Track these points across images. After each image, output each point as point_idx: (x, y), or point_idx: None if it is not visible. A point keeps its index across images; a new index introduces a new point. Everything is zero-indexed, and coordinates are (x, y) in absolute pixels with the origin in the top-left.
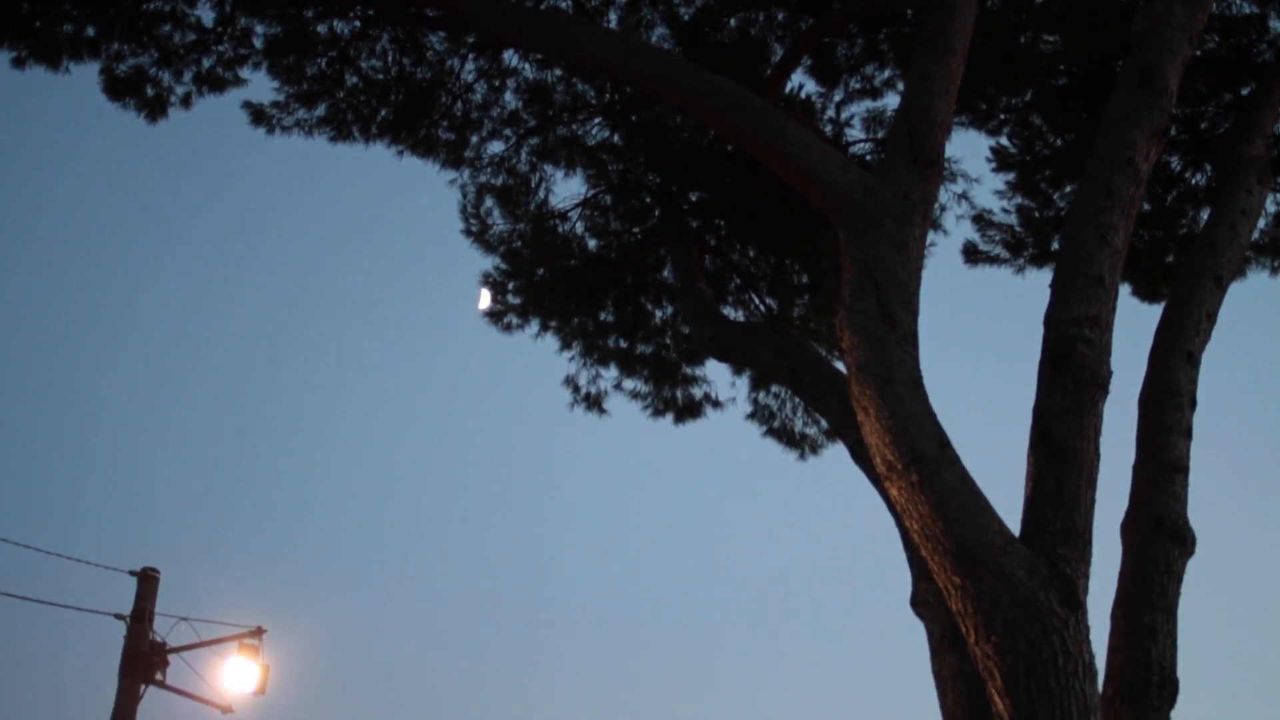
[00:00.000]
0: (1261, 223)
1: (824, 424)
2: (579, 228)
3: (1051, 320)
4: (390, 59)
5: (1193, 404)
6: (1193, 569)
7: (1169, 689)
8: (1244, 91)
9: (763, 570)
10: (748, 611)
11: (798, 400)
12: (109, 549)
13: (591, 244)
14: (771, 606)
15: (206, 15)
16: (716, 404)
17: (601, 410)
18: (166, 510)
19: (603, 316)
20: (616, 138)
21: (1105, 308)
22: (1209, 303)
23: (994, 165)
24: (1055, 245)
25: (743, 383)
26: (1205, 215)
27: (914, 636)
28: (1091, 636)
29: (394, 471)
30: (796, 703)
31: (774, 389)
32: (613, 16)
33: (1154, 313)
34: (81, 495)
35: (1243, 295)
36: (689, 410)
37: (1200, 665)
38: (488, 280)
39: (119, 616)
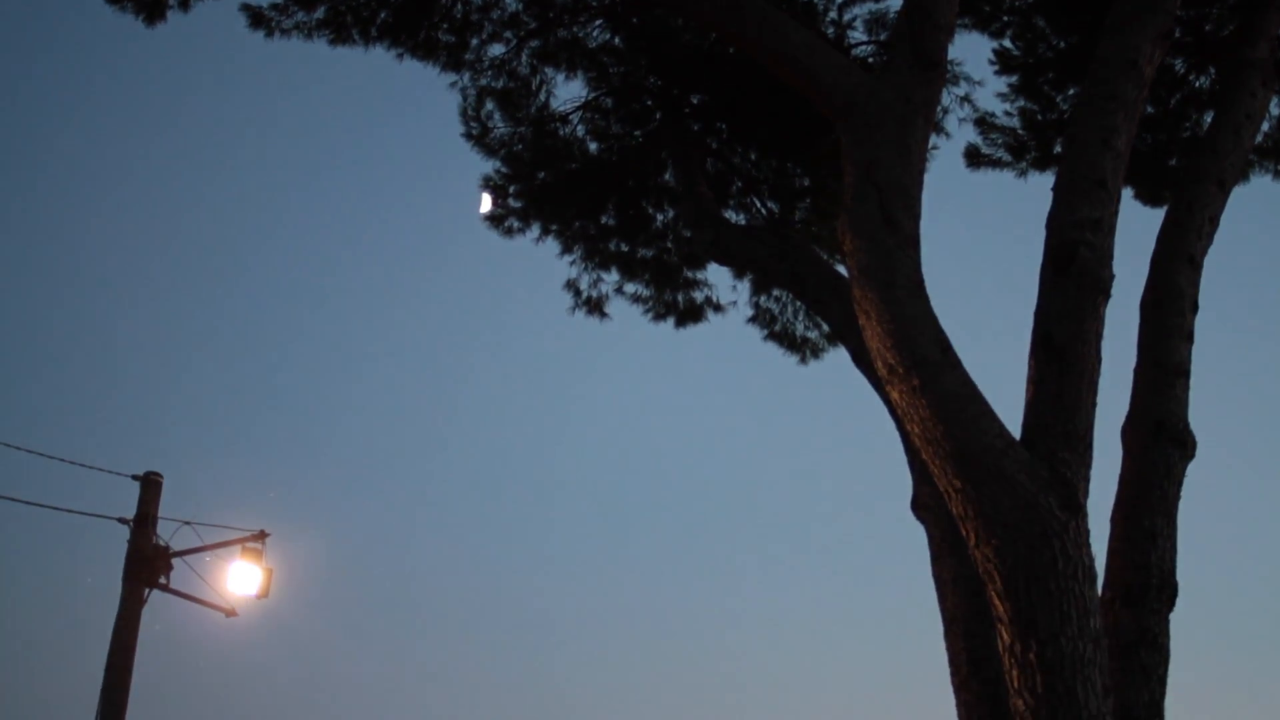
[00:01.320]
0: (1265, 126)
1: (825, 328)
2: (580, 131)
3: (1054, 224)
4: None
5: (1194, 308)
6: (1193, 473)
7: (1168, 592)
8: None
9: (762, 475)
10: (747, 516)
11: (799, 304)
12: (112, 454)
13: (592, 147)
14: (770, 510)
15: None
16: (718, 308)
17: (603, 314)
18: (170, 415)
19: (604, 220)
20: (618, 40)
21: (1108, 211)
22: (1212, 207)
23: (997, 68)
24: (1058, 149)
25: (744, 287)
26: (1209, 119)
27: (914, 540)
28: (1091, 540)
29: (400, 379)
30: (797, 606)
31: (775, 293)
32: None
33: (1156, 217)
34: (85, 400)
35: (1245, 199)
36: (690, 314)
37: (1199, 569)
38: (488, 184)
39: (122, 521)
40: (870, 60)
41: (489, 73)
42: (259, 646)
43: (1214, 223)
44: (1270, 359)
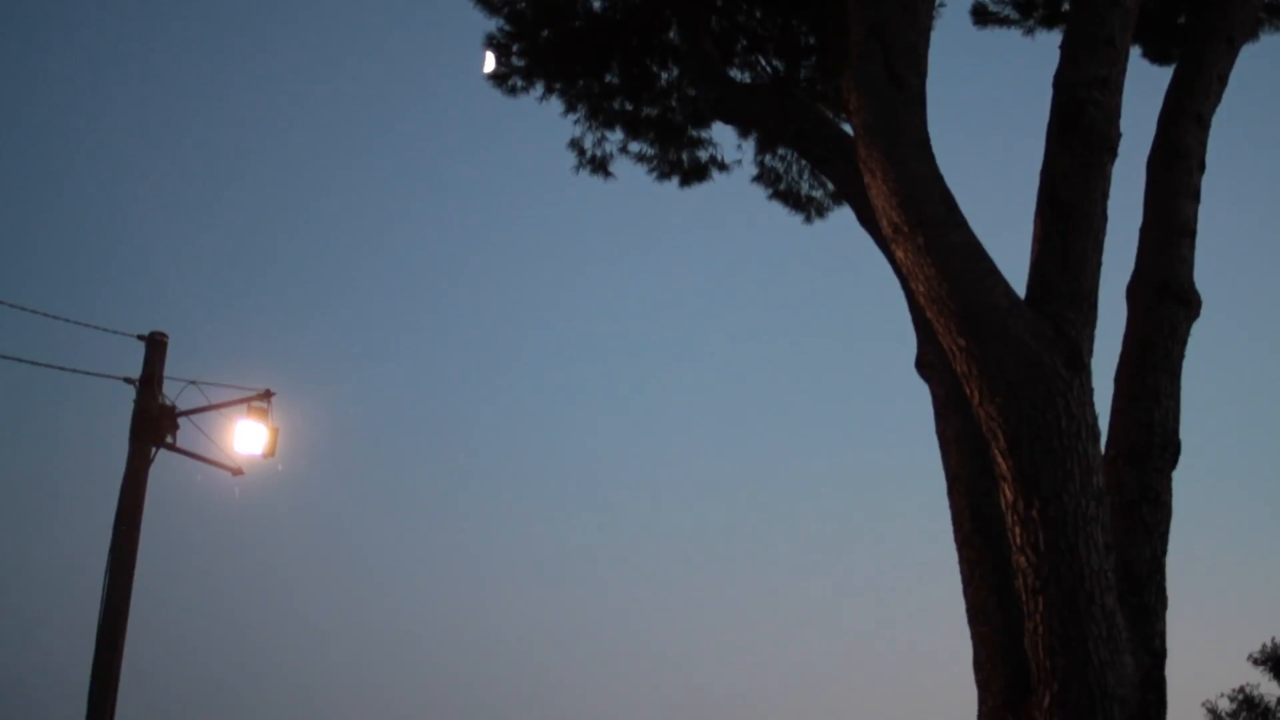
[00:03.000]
0: None
1: (830, 187)
2: None
3: (1061, 82)
4: None
5: (1201, 167)
6: (1197, 332)
7: (1171, 450)
8: None
9: (767, 333)
10: (747, 373)
11: (804, 163)
12: (117, 314)
13: (596, 5)
14: (774, 367)
15: None
16: (722, 166)
17: (607, 173)
18: (175, 274)
19: (608, 79)
20: None
21: (1115, 69)
22: (1220, 64)
23: None
24: (1066, 6)
25: (749, 145)
26: None
27: (919, 398)
28: (1095, 398)
29: (405, 240)
30: (797, 462)
31: (780, 151)
32: None
33: (1164, 75)
34: (90, 260)
35: (1254, 57)
36: (695, 173)
37: (1203, 427)
38: (492, 42)
39: (128, 381)
40: None
41: None
42: (265, 505)
43: (1222, 81)
44: (1278, 218)
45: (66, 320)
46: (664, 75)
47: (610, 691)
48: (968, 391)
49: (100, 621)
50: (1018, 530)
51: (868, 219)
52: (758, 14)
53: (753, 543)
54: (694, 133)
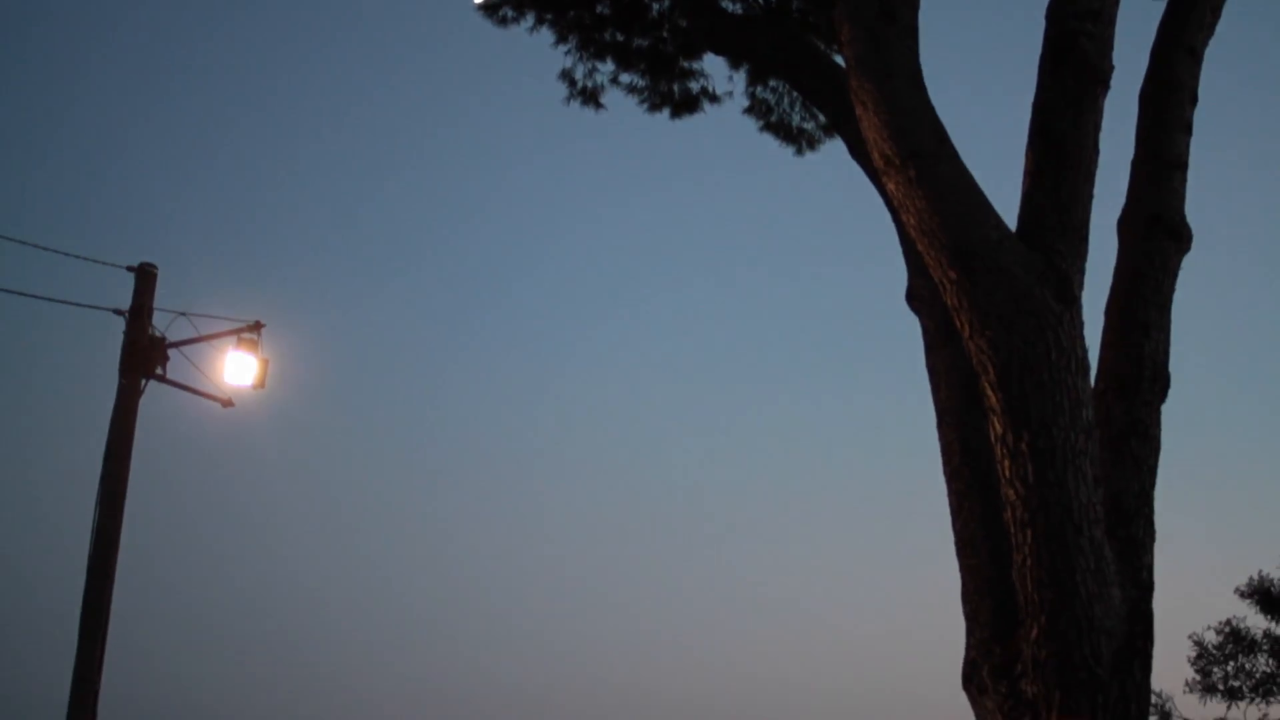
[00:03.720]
0: None
1: (822, 119)
2: None
3: (1053, 14)
4: None
5: (1194, 100)
6: (1188, 266)
7: (1160, 383)
8: None
9: (758, 260)
10: (738, 301)
11: (796, 95)
12: (107, 245)
13: None
14: (763, 298)
15: None
16: (714, 98)
17: (598, 105)
18: (165, 206)
19: (599, 9)
20: None
21: (1108, 1)
22: None
23: None
24: None
25: (740, 77)
26: None
27: (909, 331)
28: (1085, 332)
29: (397, 172)
30: (786, 396)
31: (772, 83)
32: None
33: (1157, 8)
34: (80, 191)
35: None
36: (686, 104)
37: (1192, 361)
38: None
39: (118, 312)
40: None
41: None
42: (256, 436)
43: (1215, 13)
44: (1270, 153)
45: (55, 251)
46: (655, 6)
47: (589, 625)
48: (958, 324)
49: (91, 553)
50: (1007, 463)
51: (859, 151)
52: None
53: (738, 475)
54: (685, 64)
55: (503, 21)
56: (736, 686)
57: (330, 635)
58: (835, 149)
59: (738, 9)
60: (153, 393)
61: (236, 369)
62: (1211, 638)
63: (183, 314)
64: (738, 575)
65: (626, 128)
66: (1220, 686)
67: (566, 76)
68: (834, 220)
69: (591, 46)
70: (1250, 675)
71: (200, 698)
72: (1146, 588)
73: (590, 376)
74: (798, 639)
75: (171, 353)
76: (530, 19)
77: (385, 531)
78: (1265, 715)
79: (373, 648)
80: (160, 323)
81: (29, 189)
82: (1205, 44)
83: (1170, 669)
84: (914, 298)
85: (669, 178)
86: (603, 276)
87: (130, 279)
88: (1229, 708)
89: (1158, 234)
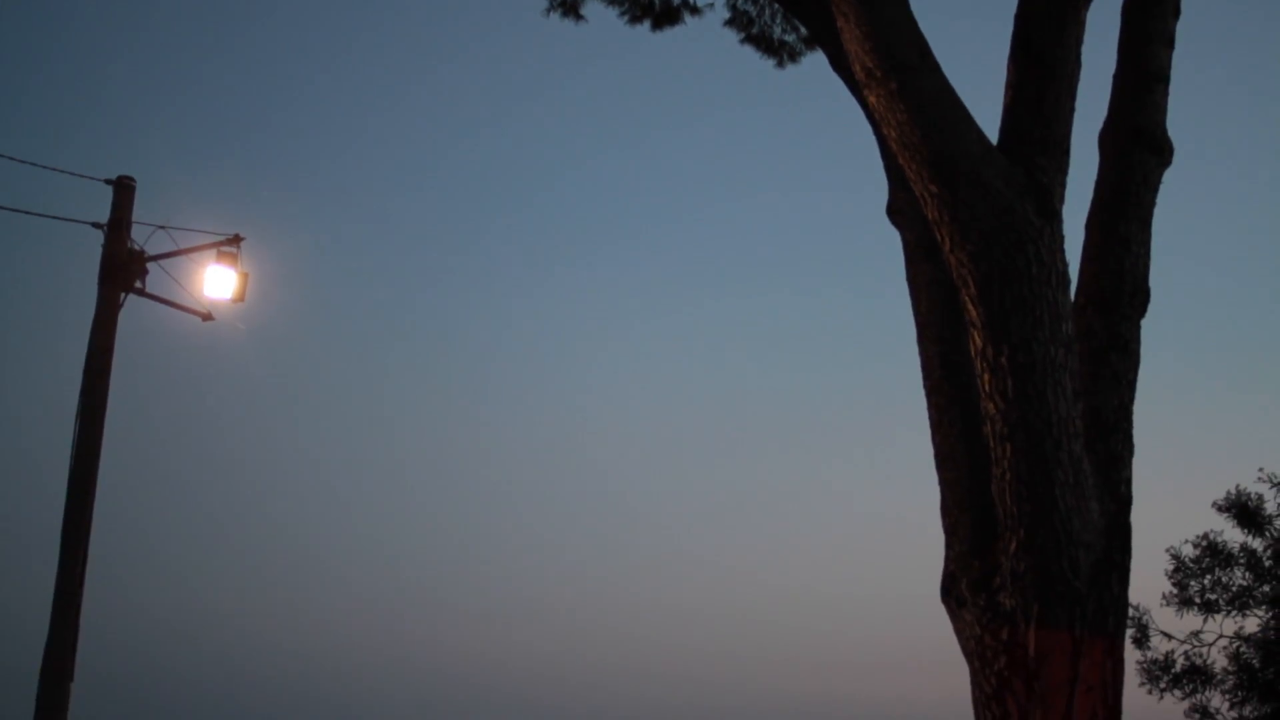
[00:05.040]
0: None
1: (803, 31)
2: None
3: None
4: None
5: (1176, 13)
6: (1169, 180)
7: (1140, 298)
8: None
9: (737, 179)
10: (723, 216)
11: (777, 6)
12: (85, 158)
13: None
14: (744, 211)
15: None
16: (694, 10)
17: (578, 16)
18: (143, 118)
19: None
20: None
21: None
22: None
23: None
24: None
25: None
26: None
27: (889, 245)
28: (1066, 246)
29: (379, 84)
30: (765, 310)
31: None
32: None
33: None
34: (57, 103)
35: None
36: (666, 16)
37: (1173, 275)
38: None
39: (96, 225)
40: None
41: None
42: (235, 351)
43: None
44: (1253, 65)
45: (34, 164)
46: None
47: (575, 538)
48: (939, 238)
49: (71, 467)
50: (986, 377)
51: (840, 64)
52: None
53: (722, 389)
54: None
55: None
56: (728, 590)
57: (309, 549)
58: (816, 61)
59: None
60: (132, 307)
61: (216, 283)
62: (1189, 552)
63: (162, 227)
64: (727, 484)
65: (606, 41)
66: (1197, 600)
67: None
68: (814, 133)
69: None
70: (1226, 589)
71: (180, 609)
72: (1125, 502)
73: (578, 287)
74: (784, 547)
75: (151, 266)
76: None
77: (364, 446)
78: (1241, 628)
79: (352, 561)
80: (139, 236)
81: (6, 102)
82: None
83: (1147, 582)
84: (895, 211)
85: (649, 90)
86: (588, 192)
87: (109, 192)
88: (1205, 621)
89: (1139, 148)
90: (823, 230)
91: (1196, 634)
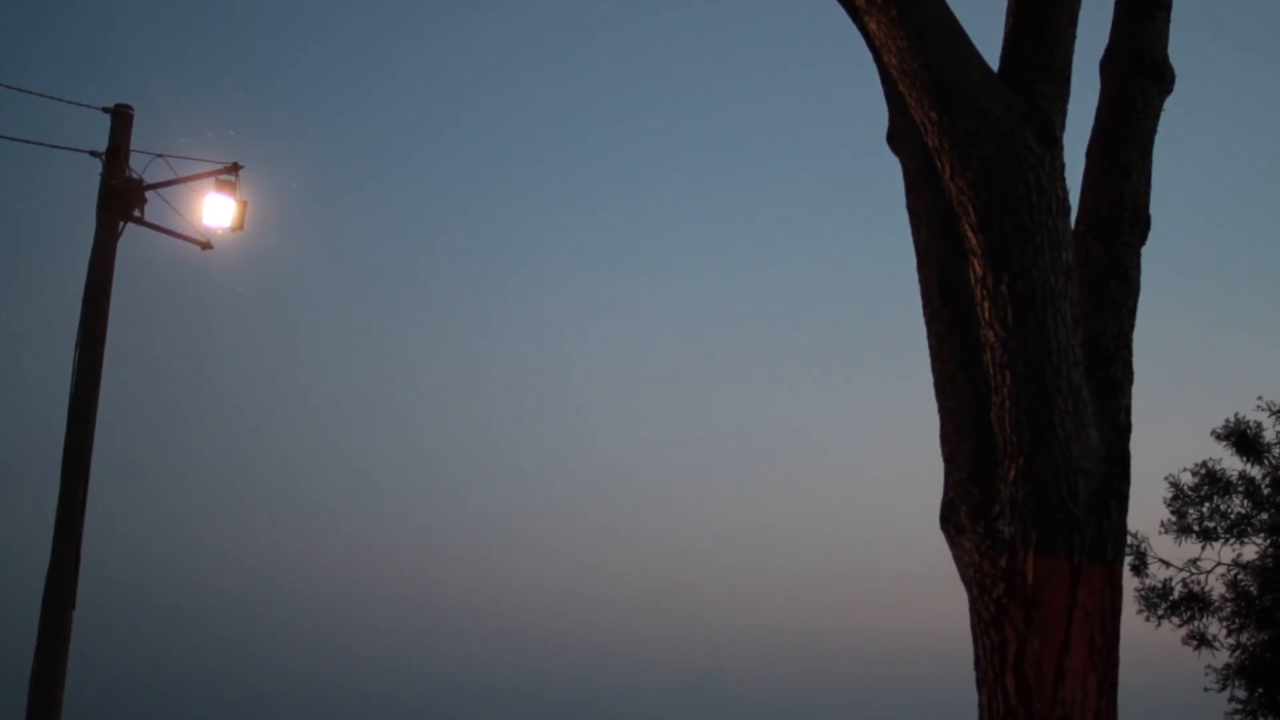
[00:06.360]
0: None
1: None
2: None
3: None
4: None
5: None
6: (1171, 110)
7: (1141, 225)
8: None
9: (734, 110)
10: (717, 146)
11: None
12: (82, 86)
13: None
14: (741, 142)
15: None
16: None
17: None
18: (140, 45)
19: None
20: None
21: None
22: None
23: None
24: None
25: None
26: None
27: (890, 173)
28: (1067, 174)
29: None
30: (766, 240)
31: None
32: None
33: None
34: (54, 31)
35: None
36: None
37: (1173, 203)
38: None
39: (94, 154)
40: None
41: None
42: (234, 280)
43: None
44: None
45: (31, 93)
46: None
47: (580, 461)
48: (939, 165)
49: (72, 395)
50: (986, 305)
51: None
52: None
53: (717, 311)
54: None
55: None
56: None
57: (309, 474)
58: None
59: None
60: (131, 236)
61: (214, 211)
62: (1187, 480)
63: (160, 156)
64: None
65: None
66: (1195, 527)
67: None
68: (815, 61)
69: None
70: (1225, 516)
71: (179, 536)
72: (1124, 429)
73: (583, 209)
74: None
75: (149, 195)
76: None
77: (364, 373)
78: (1239, 555)
79: (353, 485)
80: (137, 165)
81: (4, 32)
82: None
83: (1146, 510)
84: (895, 139)
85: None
86: (590, 109)
87: (107, 121)
88: (1203, 548)
89: (1140, 74)
90: (818, 164)
91: (1194, 561)
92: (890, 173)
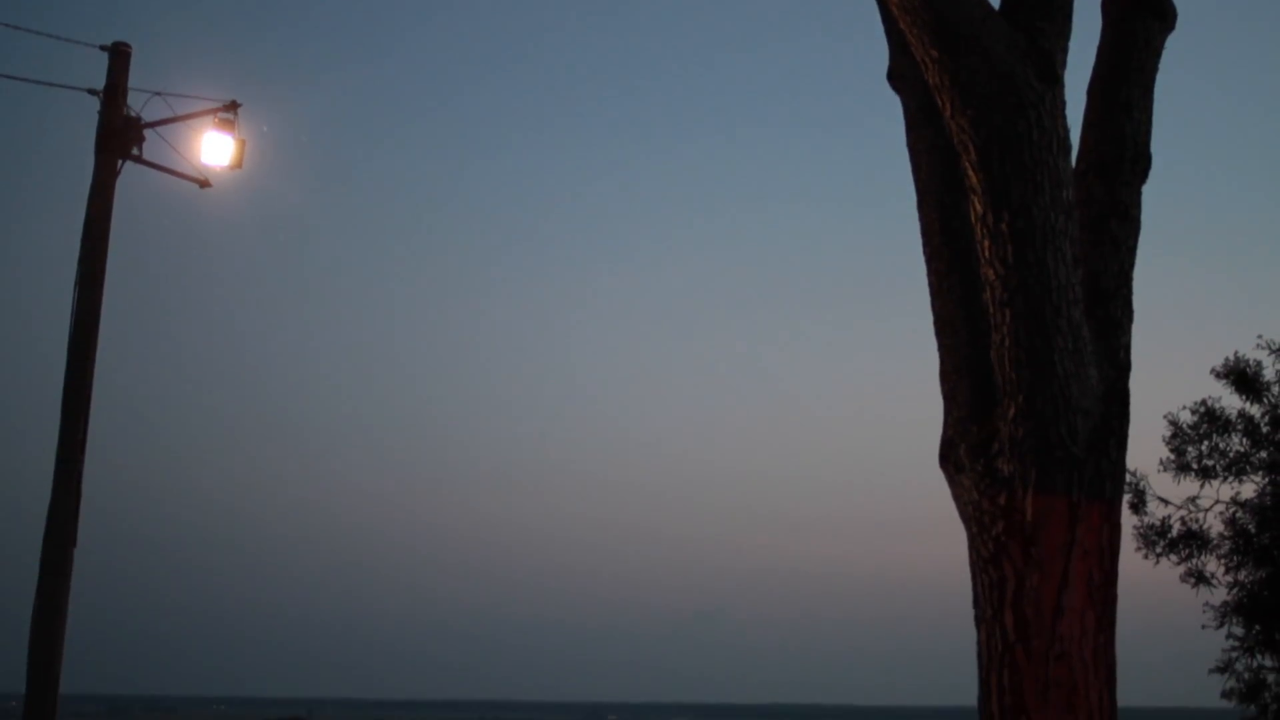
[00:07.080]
0: None
1: None
2: None
3: None
4: None
5: None
6: (1171, 47)
7: (1141, 164)
8: None
9: (738, 48)
10: (718, 88)
11: None
12: (79, 24)
13: None
14: (743, 81)
15: None
16: None
17: None
18: None
19: None
20: None
21: None
22: None
23: None
24: None
25: None
26: None
27: (891, 111)
28: (1068, 113)
29: None
30: (766, 173)
31: None
32: None
33: None
34: None
35: None
36: None
37: (1174, 141)
38: None
39: (92, 92)
40: None
41: None
42: (234, 218)
43: None
44: None
45: (28, 30)
46: None
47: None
48: (940, 103)
49: (71, 333)
50: (986, 243)
51: None
52: None
53: (716, 245)
54: None
55: None
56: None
57: (312, 413)
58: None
59: None
60: (129, 174)
61: (213, 149)
62: (1186, 418)
63: (158, 94)
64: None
65: None
66: (1194, 465)
67: None
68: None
69: None
70: (1224, 454)
71: (179, 473)
72: (1123, 367)
73: (589, 169)
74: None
75: (148, 133)
76: None
77: (365, 308)
78: (1237, 494)
79: (356, 424)
80: (135, 103)
81: None
82: None
83: (1145, 448)
84: (895, 76)
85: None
86: (592, 51)
87: (104, 58)
88: (1202, 486)
89: (1142, 12)
90: (821, 94)
91: (1193, 499)
92: (891, 110)
